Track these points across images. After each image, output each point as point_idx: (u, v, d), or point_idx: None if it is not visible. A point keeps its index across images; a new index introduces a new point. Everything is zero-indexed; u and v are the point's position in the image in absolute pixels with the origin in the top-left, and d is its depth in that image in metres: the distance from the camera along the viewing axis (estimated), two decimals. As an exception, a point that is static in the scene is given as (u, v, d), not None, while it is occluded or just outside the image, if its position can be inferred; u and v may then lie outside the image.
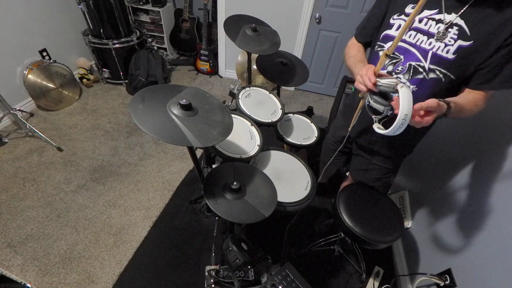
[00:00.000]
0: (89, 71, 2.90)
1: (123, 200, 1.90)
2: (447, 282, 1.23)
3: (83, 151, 2.22)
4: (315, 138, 1.50)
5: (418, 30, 0.88)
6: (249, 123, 1.31)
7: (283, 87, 3.18)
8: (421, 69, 0.89)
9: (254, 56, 1.62)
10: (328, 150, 1.50)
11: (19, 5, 2.23)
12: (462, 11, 0.80)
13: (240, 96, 1.41)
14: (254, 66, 1.65)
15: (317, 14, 2.62)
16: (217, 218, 1.58)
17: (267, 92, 1.53)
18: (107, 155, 2.21)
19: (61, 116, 2.53)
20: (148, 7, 3.15)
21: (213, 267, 1.20)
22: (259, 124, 1.32)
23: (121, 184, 2.00)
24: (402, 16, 0.91)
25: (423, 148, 1.59)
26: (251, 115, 1.33)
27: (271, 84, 3.02)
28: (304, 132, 1.53)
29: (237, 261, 1.09)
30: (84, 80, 2.85)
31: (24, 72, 2.33)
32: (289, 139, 1.45)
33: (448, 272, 1.24)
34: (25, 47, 2.36)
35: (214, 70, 3.32)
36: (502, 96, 1.14)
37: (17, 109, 2.24)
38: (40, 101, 2.44)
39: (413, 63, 0.90)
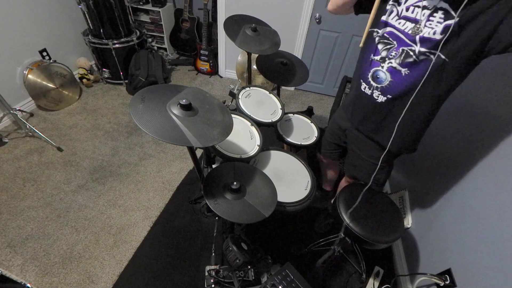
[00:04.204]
0: (89, 71, 2.90)
1: (123, 200, 1.90)
2: (447, 282, 1.23)
3: (83, 151, 2.22)
4: (315, 138, 1.50)
5: (406, 18, 0.92)
6: (249, 123, 1.31)
7: (283, 87, 3.18)
8: (411, 53, 0.92)
9: (254, 56, 1.63)
10: (326, 144, 1.50)
11: (19, 5, 2.23)
12: None
13: (240, 96, 1.42)
14: (254, 66, 1.65)
15: (317, 14, 2.62)
16: (217, 218, 1.58)
17: (267, 92, 1.53)
18: (107, 155, 2.21)
19: (61, 116, 2.53)
20: (148, 7, 3.15)
21: (213, 267, 1.20)
22: (259, 124, 1.32)
23: (121, 184, 2.00)
24: (396, 4, 0.94)
25: (423, 148, 1.59)
26: (251, 115, 1.34)
27: (271, 84, 3.02)
28: (304, 132, 1.53)
29: (237, 261, 1.09)
30: (84, 80, 2.85)
31: (24, 72, 2.33)
32: (289, 139, 1.45)
33: (448, 272, 1.24)
34: (25, 47, 2.36)
35: (214, 70, 3.32)
36: (503, 95, 1.14)
37: (17, 109, 2.24)
38: (40, 101, 2.44)
39: (405, 48, 0.94)
